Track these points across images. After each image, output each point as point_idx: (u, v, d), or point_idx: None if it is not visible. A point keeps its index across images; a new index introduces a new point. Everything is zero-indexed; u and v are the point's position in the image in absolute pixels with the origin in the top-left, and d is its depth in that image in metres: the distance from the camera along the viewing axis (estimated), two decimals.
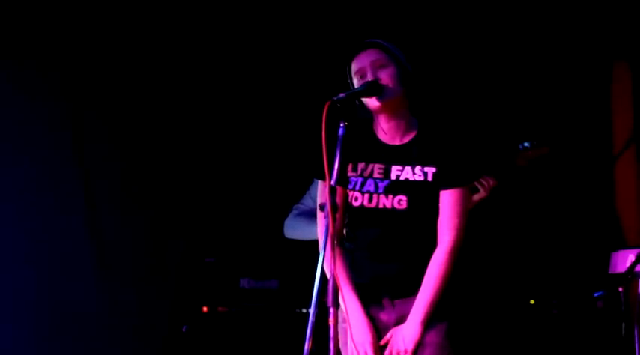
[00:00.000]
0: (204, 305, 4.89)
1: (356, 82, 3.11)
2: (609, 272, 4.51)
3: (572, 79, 5.32)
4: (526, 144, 4.17)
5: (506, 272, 5.23)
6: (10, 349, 4.86)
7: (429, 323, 3.05)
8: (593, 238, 5.16)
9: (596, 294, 4.36)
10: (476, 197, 4.19)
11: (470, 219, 4.30)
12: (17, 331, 4.91)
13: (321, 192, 3.15)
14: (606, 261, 4.56)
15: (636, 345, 4.14)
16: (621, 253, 4.47)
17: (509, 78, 5.35)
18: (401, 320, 3.09)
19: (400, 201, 3.08)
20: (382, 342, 3.09)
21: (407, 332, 3.05)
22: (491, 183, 4.15)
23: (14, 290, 4.91)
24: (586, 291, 4.63)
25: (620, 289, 4.31)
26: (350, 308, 3.05)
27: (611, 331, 4.54)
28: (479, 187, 4.17)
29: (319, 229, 3.12)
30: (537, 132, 4.41)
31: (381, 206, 3.08)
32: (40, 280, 4.98)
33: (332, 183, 2.76)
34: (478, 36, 5.34)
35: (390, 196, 3.08)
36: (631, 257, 4.31)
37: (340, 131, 2.88)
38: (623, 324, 4.30)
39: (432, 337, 3.08)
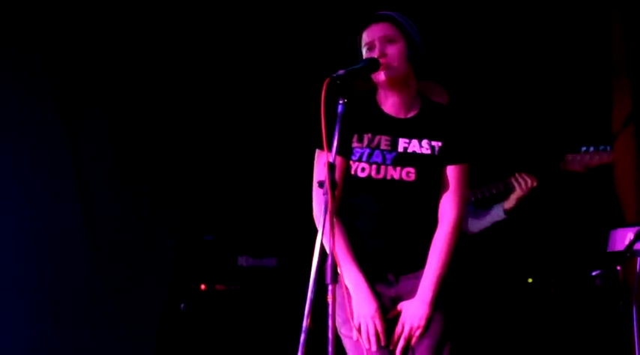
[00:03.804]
0: (202, 283, 4.90)
1: (364, 53, 3.11)
2: (608, 251, 4.50)
3: (571, 65, 5.31)
4: (592, 148, 4.11)
5: (505, 251, 5.23)
6: (6, 330, 4.87)
7: (437, 300, 3.06)
8: (592, 216, 5.16)
9: (594, 273, 4.36)
10: (513, 195, 4.16)
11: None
12: (14, 312, 4.91)
13: (320, 165, 3.14)
14: (605, 240, 4.56)
15: (634, 324, 4.14)
16: (620, 231, 4.46)
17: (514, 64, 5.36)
18: (405, 296, 3.09)
19: (408, 173, 3.08)
20: (390, 316, 3.08)
21: (417, 309, 3.05)
22: (530, 182, 4.11)
23: (7, 271, 4.91)
24: (584, 270, 4.63)
25: (619, 268, 4.31)
26: (352, 282, 3.04)
27: (610, 309, 4.54)
28: (515, 185, 4.13)
29: (318, 206, 3.12)
30: (598, 136, 4.37)
31: (389, 177, 3.08)
32: (37, 260, 4.98)
33: (331, 159, 2.76)
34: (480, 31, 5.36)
35: (398, 168, 3.08)
36: (630, 235, 4.30)
37: (339, 108, 2.87)
38: (622, 303, 4.30)
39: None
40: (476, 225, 4.39)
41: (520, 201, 4.19)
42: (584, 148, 4.15)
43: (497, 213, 4.30)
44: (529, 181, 4.12)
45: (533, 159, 4.26)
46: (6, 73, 5.02)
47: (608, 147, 4.16)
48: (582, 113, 5.25)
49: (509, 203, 4.23)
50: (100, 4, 5.18)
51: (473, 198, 4.29)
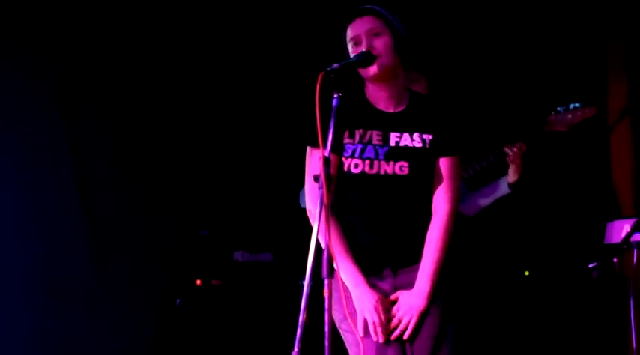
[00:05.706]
0: (198, 278, 4.89)
1: (350, 49, 3.10)
2: (604, 243, 4.50)
3: (567, 50, 5.30)
4: (570, 106, 4.08)
5: (502, 243, 5.23)
6: (3, 322, 4.87)
7: (434, 292, 3.05)
8: (589, 209, 5.15)
9: (591, 265, 4.35)
10: (511, 168, 4.10)
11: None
12: (11, 304, 4.91)
13: (312, 161, 3.13)
14: (602, 232, 4.55)
15: (631, 316, 4.14)
16: (617, 223, 4.46)
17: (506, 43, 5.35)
18: (403, 289, 3.08)
19: (402, 167, 3.08)
20: (392, 298, 3.06)
21: (414, 301, 3.05)
22: (517, 151, 4.05)
23: (8, 265, 4.91)
24: (581, 262, 4.62)
25: (615, 260, 4.30)
26: (350, 278, 3.04)
27: (606, 302, 4.54)
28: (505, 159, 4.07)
29: (312, 200, 3.11)
30: (574, 96, 4.32)
31: (382, 172, 3.08)
32: (34, 255, 4.98)
33: (326, 153, 2.75)
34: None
35: (392, 162, 3.08)
36: (626, 227, 4.30)
37: (334, 102, 2.87)
38: (618, 295, 4.30)
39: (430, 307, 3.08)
40: (476, 204, 4.33)
41: (521, 172, 4.13)
42: (560, 108, 4.11)
43: (501, 189, 4.24)
44: (515, 150, 4.07)
45: (518, 126, 4.22)
46: (6, 73, 5.01)
47: (579, 104, 4.11)
48: (560, 73, 5.23)
49: (511, 177, 4.15)
50: (101, 5, 5.17)
51: (466, 175, 4.24)
